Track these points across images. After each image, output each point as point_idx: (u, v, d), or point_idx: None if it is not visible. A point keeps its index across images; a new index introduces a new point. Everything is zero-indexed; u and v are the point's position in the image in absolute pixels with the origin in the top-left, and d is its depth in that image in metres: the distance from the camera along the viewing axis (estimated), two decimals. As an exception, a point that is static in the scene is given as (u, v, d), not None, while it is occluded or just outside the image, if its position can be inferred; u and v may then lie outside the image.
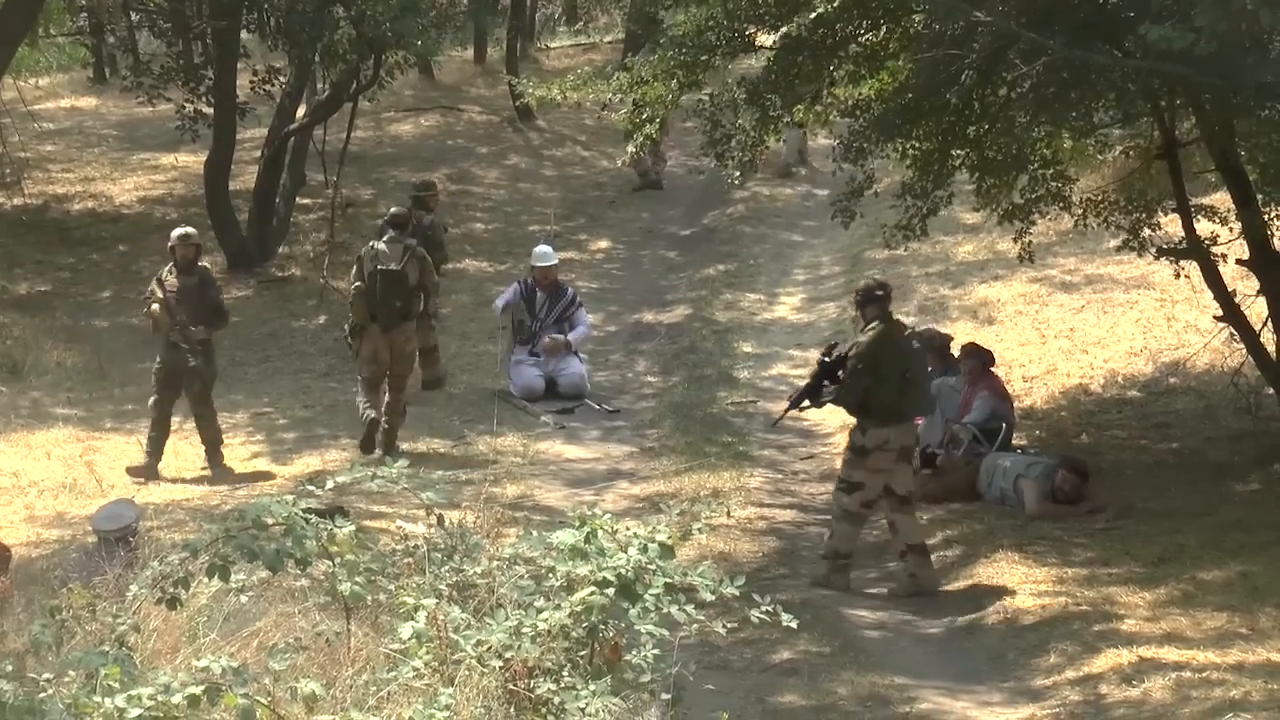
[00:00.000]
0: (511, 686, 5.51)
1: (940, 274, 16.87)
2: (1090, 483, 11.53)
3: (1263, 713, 7.68)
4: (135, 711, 4.88)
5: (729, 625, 6.28)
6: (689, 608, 5.70)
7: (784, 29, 10.50)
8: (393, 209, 13.94)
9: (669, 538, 5.76)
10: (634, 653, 5.68)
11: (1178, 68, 8.99)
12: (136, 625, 5.73)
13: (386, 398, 12.97)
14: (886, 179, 12.79)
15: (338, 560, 5.82)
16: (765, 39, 11.49)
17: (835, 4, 10.15)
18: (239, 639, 6.20)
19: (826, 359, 10.53)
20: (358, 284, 12.99)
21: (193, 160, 20.30)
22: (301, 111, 19.37)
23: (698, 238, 19.52)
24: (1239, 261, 12.02)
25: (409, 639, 5.62)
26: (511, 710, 5.51)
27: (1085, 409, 13.60)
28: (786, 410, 11.20)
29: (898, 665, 9.09)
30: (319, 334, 16.58)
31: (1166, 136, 11.82)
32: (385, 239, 13.10)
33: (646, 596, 5.59)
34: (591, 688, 5.41)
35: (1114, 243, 13.59)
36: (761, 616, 5.82)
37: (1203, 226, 12.17)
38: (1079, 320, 15.26)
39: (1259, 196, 11.53)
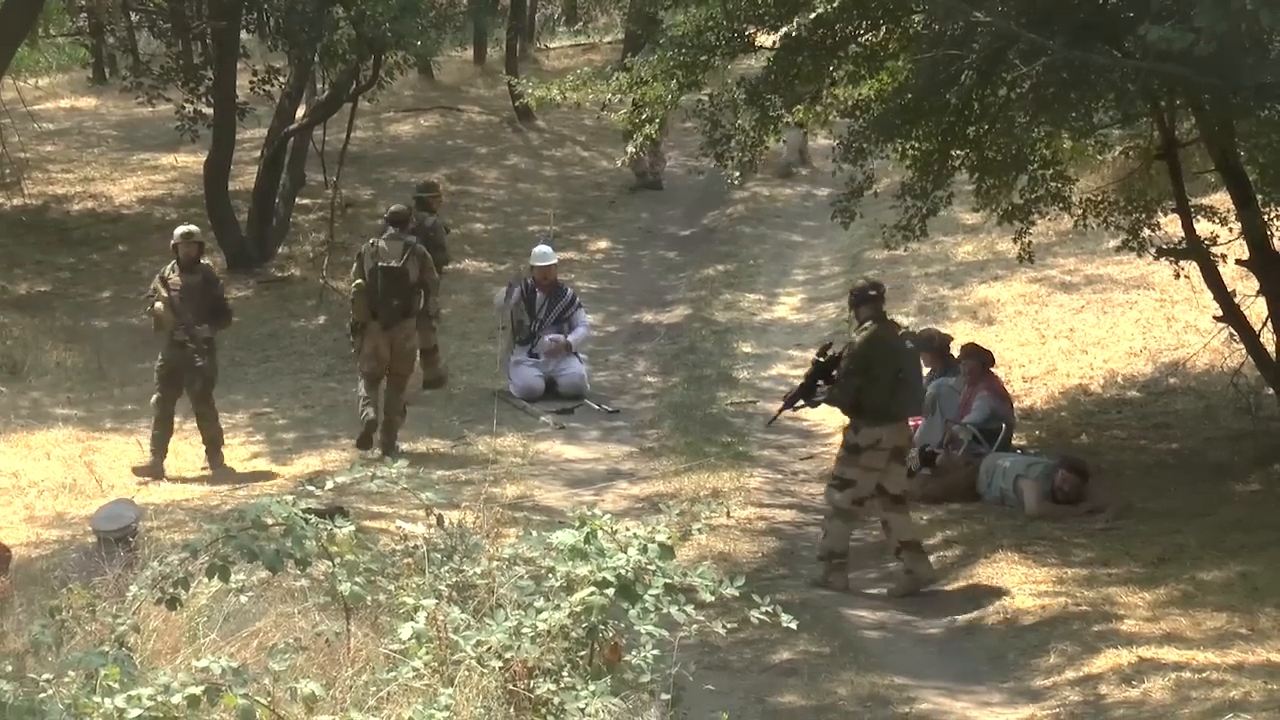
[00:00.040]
0: (511, 687, 5.51)
1: (940, 274, 16.86)
2: (1090, 483, 11.54)
3: (1262, 713, 7.68)
4: (135, 712, 4.88)
5: (729, 625, 6.28)
6: (689, 608, 5.70)
7: (784, 29, 10.49)
8: (393, 206, 13.95)
9: (669, 538, 5.76)
10: (634, 653, 5.67)
11: (1177, 68, 8.99)
12: (136, 625, 5.73)
13: (386, 396, 12.98)
14: (886, 179, 12.79)
15: (337, 560, 5.82)
16: (765, 39, 11.49)
17: (835, 4, 10.15)
18: (239, 639, 6.20)
19: (821, 359, 10.56)
20: (358, 281, 13.00)
21: (192, 160, 20.30)
22: (301, 112, 19.36)
23: (697, 238, 19.52)
24: (1239, 262, 12.02)
25: (409, 639, 5.62)
26: (511, 710, 5.51)
27: (1085, 409, 13.61)
28: (781, 410, 11.22)
29: (897, 665, 9.09)
30: (319, 334, 16.58)
31: (1166, 137, 11.82)
32: (385, 236, 13.12)
33: (646, 597, 5.59)
34: (591, 688, 5.41)
35: (1114, 243, 13.59)
36: (761, 617, 5.82)
37: (1202, 227, 12.17)
38: (1079, 320, 15.26)
39: (1259, 197, 11.53)
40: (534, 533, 6.08)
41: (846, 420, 10.62)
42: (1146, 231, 12.73)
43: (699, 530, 6.25)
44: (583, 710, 5.35)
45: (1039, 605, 9.63)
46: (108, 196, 20.78)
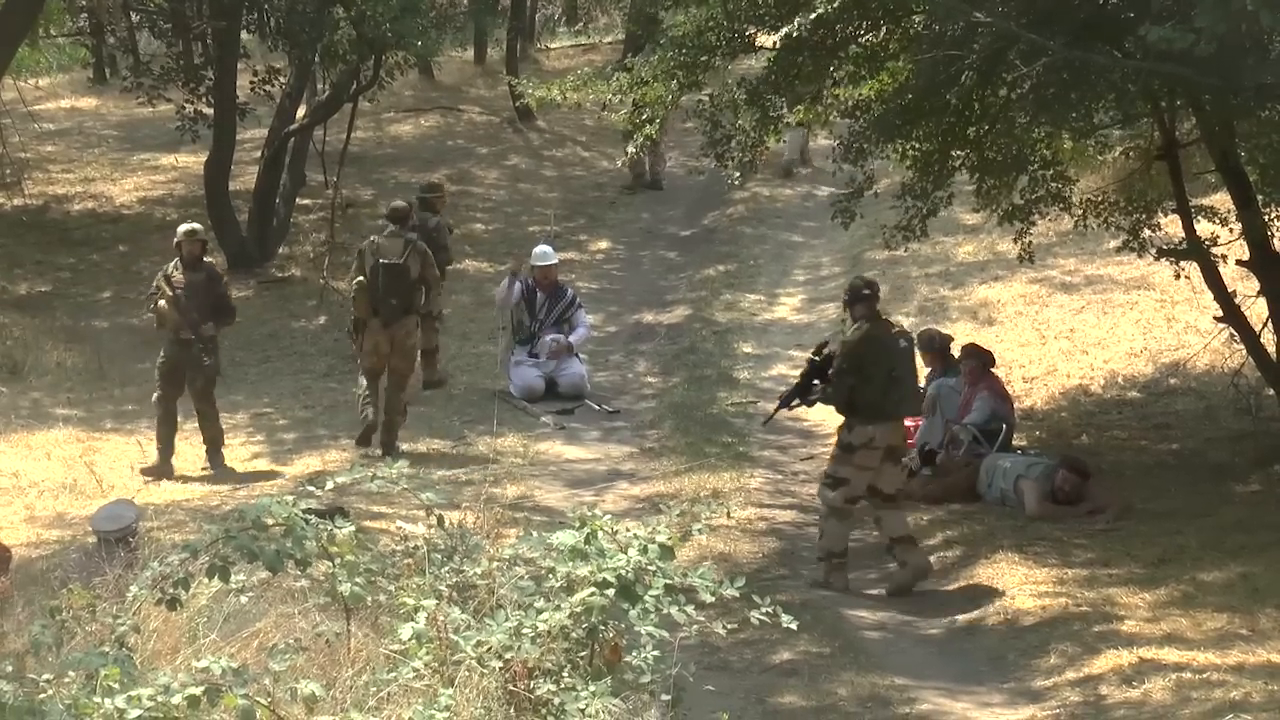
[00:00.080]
0: (511, 687, 5.51)
1: (940, 275, 16.87)
2: (1090, 483, 11.53)
3: (1263, 714, 7.68)
4: (135, 712, 4.87)
5: (729, 626, 6.28)
6: (689, 609, 5.70)
7: (784, 30, 10.49)
8: (393, 203, 13.97)
9: (669, 539, 5.76)
10: (634, 654, 5.67)
11: (1178, 68, 8.98)
12: (136, 626, 5.72)
13: (386, 395, 12.98)
14: (886, 180, 12.79)
15: (338, 561, 5.82)
16: (765, 39, 11.49)
17: (835, 5, 10.15)
18: (239, 640, 6.20)
19: (816, 357, 10.57)
20: (359, 279, 13.01)
21: (193, 161, 20.30)
22: (301, 112, 19.37)
23: (698, 238, 19.52)
24: (1239, 262, 12.02)
25: (409, 640, 5.62)
26: (511, 711, 5.50)
27: (1085, 410, 13.61)
28: (777, 409, 11.24)
29: (898, 666, 9.09)
30: (319, 334, 16.58)
31: (1166, 137, 11.82)
32: (385, 233, 13.14)
33: (646, 597, 5.58)
34: (591, 688, 5.41)
35: (1114, 243, 13.59)
36: (761, 617, 5.81)
37: (1203, 227, 12.17)
38: (1079, 321, 15.27)
39: (1259, 197, 11.53)
40: (534, 533, 6.07)
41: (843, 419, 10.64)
42: (1147, 232, 12.73)
43: (699, 531, 6.24)
44: (583, 711, 5.35)
45: (1039, 606, 9.63)
46: (108, 197, 20.79)
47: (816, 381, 10.53)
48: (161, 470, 12.66)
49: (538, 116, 23.14)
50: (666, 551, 5.70)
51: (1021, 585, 10.02)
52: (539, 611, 5.61)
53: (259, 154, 19.10)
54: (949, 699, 8.65)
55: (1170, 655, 8.60)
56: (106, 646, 5.38)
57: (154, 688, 4.97)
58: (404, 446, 12.80)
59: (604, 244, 19.50)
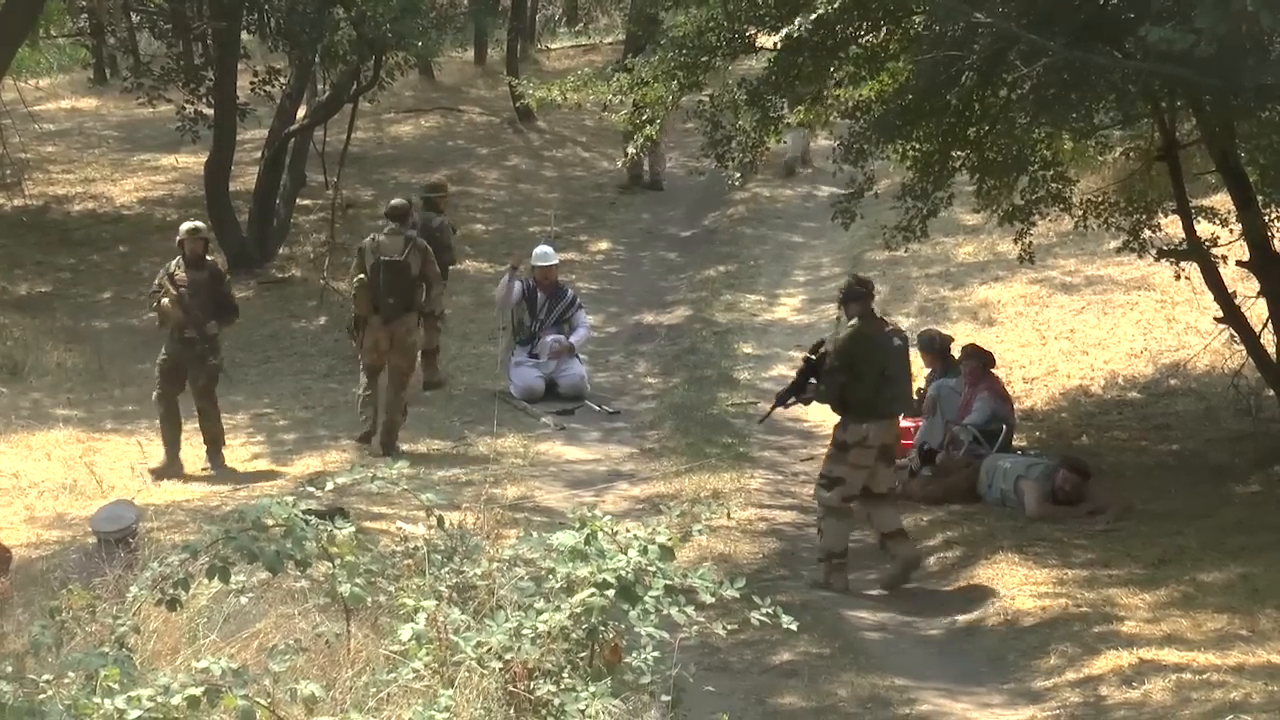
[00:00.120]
0: (511, 688, 5.51)
1: (940, 275, 16.87)
2: (1090, 483, 11.53)
3: (1263, 715, 7.68)
4: (135, 713, 4.87)
5: (729, 627, 6.27)
6: (689, 609, 5.70)
7: (784, 30, 10.49)
8: (393, 201, 13.98)
9: (669, 539, 5.75)
10: (634, 654, 5.67)
11: (1178, 69, 8.98)
12: (136, 626, 5.72)
13: (387, 395, 12.99)
14: (887, 180, 12.79)
15: (338, 562, 5.82)
16: (766, 40, 11.49)
17: (835, 5, 10.15)
18: (239, 640, 6.20)
19: (812, 356, 10.58)
20: (360, 276, 13.02)
21: (193, 161, 20.31)
22: (302, 112, 19.38)
23: (698, 239, 19.52)
24: (1239, 263, 12.02)
25: (409, 640, 5.61)
26: (511, 712, 5.50)
27: (1085, 410, 13.61)
28: (773, 407, 11.26)
29: (898, 667, 9.09)
30: (319, 335, 16.59)
31: (1167, 138, 11.82)
32: (385, 231, 13.14)
33: (646, 598, 5.58)
34: (591, 689, 5.41)
35: (1114, 244, 13.59)
36: (761, 618, 5.81)
37: (1203, 228, 12.17)
38: (1079, 321, 15.27)
39: (1259, 198, 11.53)
40: (534, 534, 6.07)
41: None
42: (1147, 232, 12.73)
43: (699, 531, 6.24)
44: (583, 712, 5.35)
45: (1039, 606, 9.63)
46: (108, 197, 20.80)
47: (813, 380, 10.55)
48: (170, 468, 12.67)
49: (538, 117, 23.15)
50: (666, 552, 5.70)
51: (1021, 586, 10.02)
52: (539, 612, 5.61)
53: (259, 154, 19.11)
54: (949, 700, 8.65)
55: (1170, 656, 8.60)
56: (106, 647, 5.38)
57: (154, 688, 4.97)
58: (404, 447, 12.80)
59: (604, 244, 19.50)
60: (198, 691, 4.98)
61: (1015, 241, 12.88)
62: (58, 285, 18.18)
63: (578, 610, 5.54)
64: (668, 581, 5.64)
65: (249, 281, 17.75)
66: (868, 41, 11.60)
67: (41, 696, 5.07)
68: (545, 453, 13.18)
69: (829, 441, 10.69)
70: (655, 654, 5.67)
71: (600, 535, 5.72)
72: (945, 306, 16.12)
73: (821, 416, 12.73)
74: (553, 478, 12.59)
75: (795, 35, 10.38)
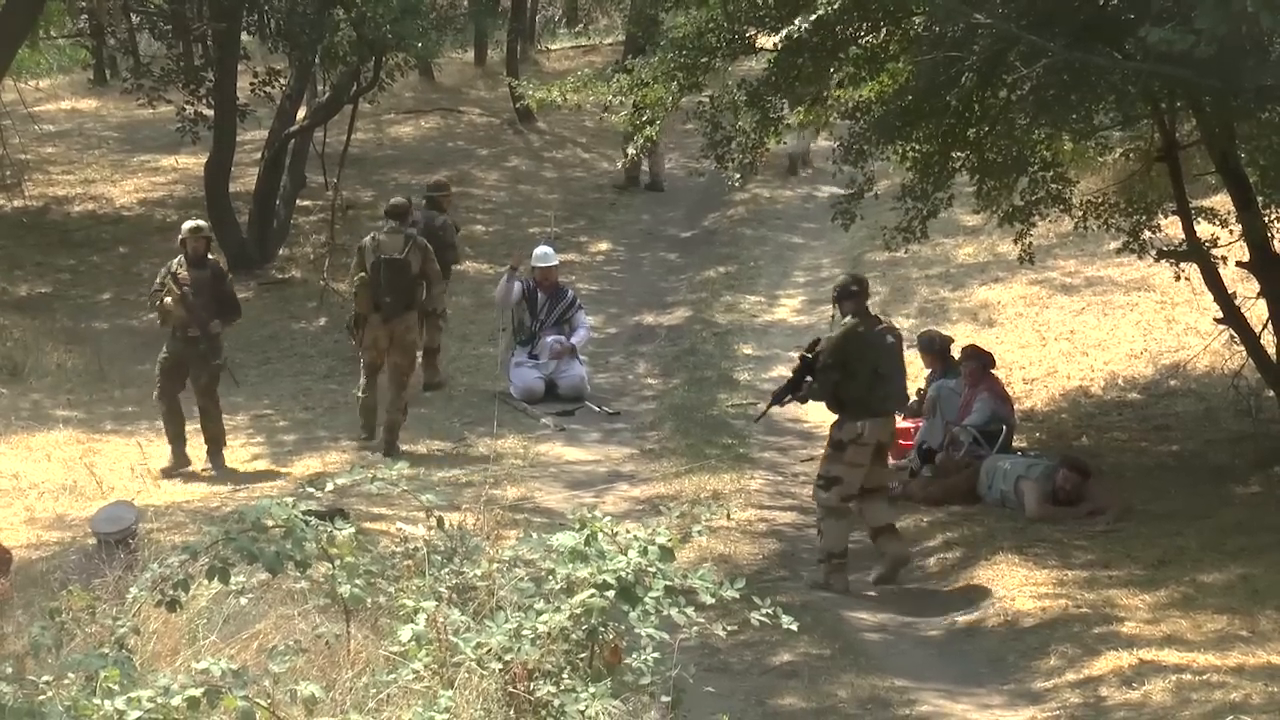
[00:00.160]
0: (511, 689, 5.50)
1: (940, 276, 16.87)
2: (1091, 482, 11.53)
3: (1263, 715, 7.68)
4: (135, 714, 4.87)
5: (729, 628, 6.27)
6: (689, 610, 5.69)
7: (784, 31, 10.49)
8: (392, 199, 13.98)
9: (669, 540, 5.75)
10: (634, 655, 5.67)
11: (1178, 70, 8.98)
12: (136, 627, 5.72)
13: (388, 394, 12.99)
14: (887, 181, 12.79)
15: (337, 562, 5.82)
16: (766, 41, 11.49)
17: (835, 6, 10.15)
18: (238, 641, 6.20)
19: (809, 354, 10.59)
20: (361, 274, 13.02)
21: (193, 162, 20.32)
22: (302, 113, 19.38)
23: (698, 240, 19.53)
24: (1239, 264, 12.02)
25: (408, 641, 5.61)
26: (511, 713, 5.50)
27: (1085, 411, 13.61)
28: (770, 405, 11.29)
29: (898, 667, 9.09)
30: (319, 336, 16.58)
31: (1167, 139, 11.82)
32: (385, 229, 13.15)
33: (646, 599, 5.58)
34: (591, 690, 5.40)
35: (1114, 245, 13.60)
36: (761, 619, 5.81)
37: (1203, 229, 12.18)
38: (1079, 322, 15.27)
39: (1259, 199, 11.54)
40: (534, 535, 6.07)
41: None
42: (1147, 233, 12.74)
43: (699, 532, 6.24)
44: (583, 713, 5.35)
45: (1039, 607, 9.63)
46: (108, 198, 20.80)
47: (809, 378, 10.56)
48: (178, 464, 12.70)
49: (538, 118, 23.16)
50: (666, 553, 5.69)
51: (1021, 587, 10.01)
52: (539, 613, 5.61)
53: (259, 155, 19.11)
54: (949, 700, 8.64)
55: (1170, 657, 8.60)
56: (106, 648, 5.38)
57: (153, 689, 4.97)
58: (404, 448, 12.80)
59: (604, 245, 19.51)
60: (198, 692, 4.98)
61: (1015, 242, 12.88)
62: (58, 286, 18.18)
63: (578, 611, 5.54)
64: (668, 582, 5.64)
65: (249, 282, 17.74)
66: (867, 42, 11.60)
67: (41, 697, 5.07)
68: (545, 454, 13.18)
69: (826, 442, 10.70)
70: (655, 655, 5.66)
71: (600, 536, 5.72)
72: (945, 307, 16.12)
73: (821, 417, 12.72)
74: (553, 479, 12.59)
75: (795, 36, 10.38)
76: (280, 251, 18.77)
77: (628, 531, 5.83)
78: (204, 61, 19.73)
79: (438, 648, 5.61)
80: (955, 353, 13.02)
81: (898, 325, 11.98)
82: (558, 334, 14.66)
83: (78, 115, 25.03)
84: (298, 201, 19.64)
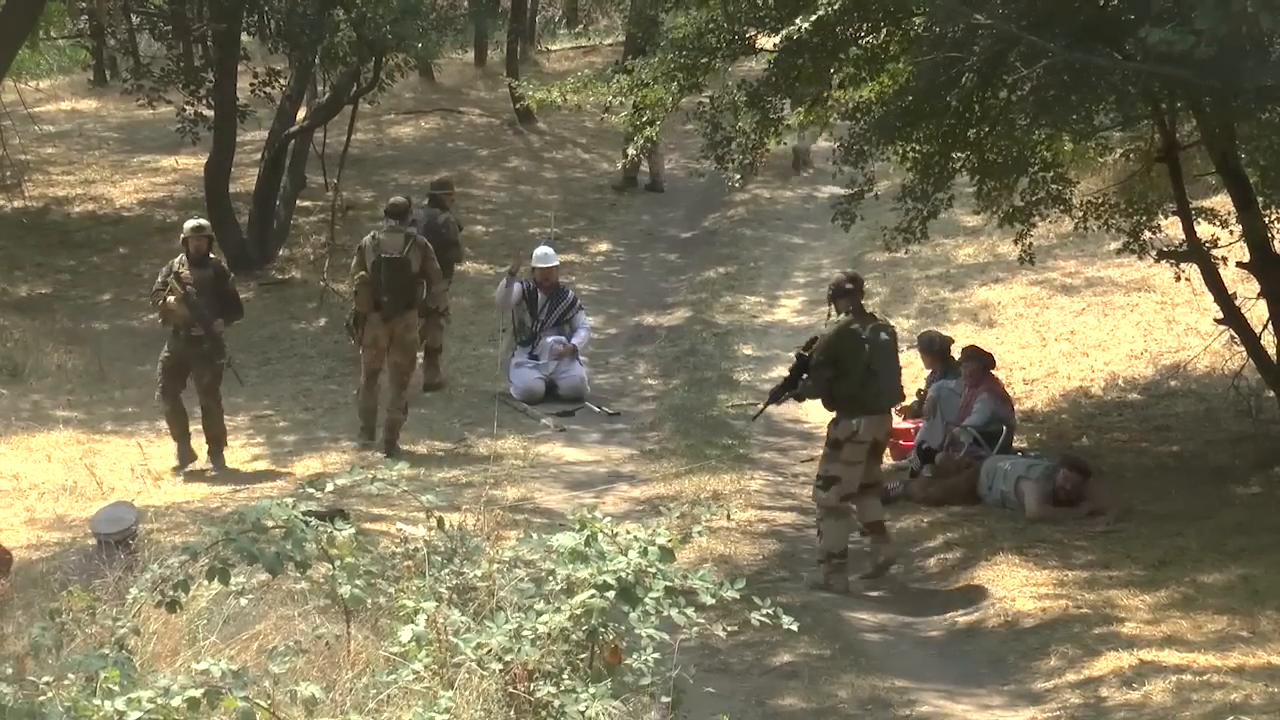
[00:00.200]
0: (511, 689, 5.50)
1: (941, 276, 16.87)
2: (1091, 481, 11.53)
3: (1263, 716, 7.68)
4: (135, 714, 4.87)
5: (729, 628, 6.27)
6: (689, 611, 5.69)
7: (784, 31, 10.49)
8: (392, 199, 13.98)
9: (669, 541, 5.75)
10: (634, 656, 5.67)
11: (1178, 70, 8.98)
12: (136, 628, 5.72)
13: (389, 393, 13.00)
14: (887, 182, 12.78)
15: (338, 563, 5.82)
16: (766, 41, 11.49)
17: (836, 6, 10.15)
18: (239, 642, 6.20)
19: (806, 352, 10.60)
20: (361, 273, 13.02)
21: (193, 163, 20.32)
22: (302, 114, 19.38)
23: (698, 240, 19.53)
24: (1239, 264, 12.02)
25: (409, 642, 5.61)
26: (511, 713, 5.50)
27: (1086, 412, 13.61)
28: (766, 404, 11.29)
29: (898, 668, 9.09)
30: (319, 336, 16.58)
31: (1167, 139, 11.82)
32: (385, 229, 13.15)
33: (647, 599, 5.58)
34: (591, 690, 5.40)
35: (1114, 245, 13.60)
36: (762, 619, 5.81)
37: (1203, 229, 12.18)
38: (1079, 323, 15.27)
39: (1259, 199, 11.53)
40: (534, 535, 6.06)
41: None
42: (1147, 234, 12.74)
43: (699, 533, 6.23)
44: (583, 713, 5.35)
45: (1039, 608, 9.62)
46: (108, 199, 20.80)
47: (805, 376, 10.57)
48: (185, 459, 12.72)
49: (538, 118, 23.16)
50: (666, 554, 5.69)
51: (1022, 587, 10.01)
52: (539, 614, 5.61)
53: (259, 156, 19.11)
54: (949, 701, 8.64)
55: (1171, 657, 8.60)
56: (106, 649, 5.38)
57: (154, 690, 4.97)
58: (404, 448, 12.80)
59: (604, 246, 19.51)
60: (198, 693, 4.98)
61: (1015, 243, 12.88)
62: (58, 287, 18.18)
63: (578, 612, 5.54)
64: (668, 583, 5.64)
65: (249, 283, 17.73)
66: (868, 43, 11.60)
67: (41, 698, 5.07)
68: (545, 454, 13.17)
69: (824, 442, 10.72)
70: (655, 655, 5.66)
71: (600, 537, 5.72)
72: (945, 308, 16.12)
73: (821, 417, 12.72)
74: (553, 479, 12.59)
75: (795, 37, 10.38)
76: (280, 252, 18.77)
77: (628, 532, 5.83)
78: (204, 62, 19.74)
79: (438, 648, 5.60)
80: (955, 353, 13.02)
81: (898, 326, 12.00)
82: (558, 335, 14.66)
83: (78, 116, 25.03)
84: (298, 202, 19.64)
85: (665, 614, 5.61)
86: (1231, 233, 12.18)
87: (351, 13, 16.75)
